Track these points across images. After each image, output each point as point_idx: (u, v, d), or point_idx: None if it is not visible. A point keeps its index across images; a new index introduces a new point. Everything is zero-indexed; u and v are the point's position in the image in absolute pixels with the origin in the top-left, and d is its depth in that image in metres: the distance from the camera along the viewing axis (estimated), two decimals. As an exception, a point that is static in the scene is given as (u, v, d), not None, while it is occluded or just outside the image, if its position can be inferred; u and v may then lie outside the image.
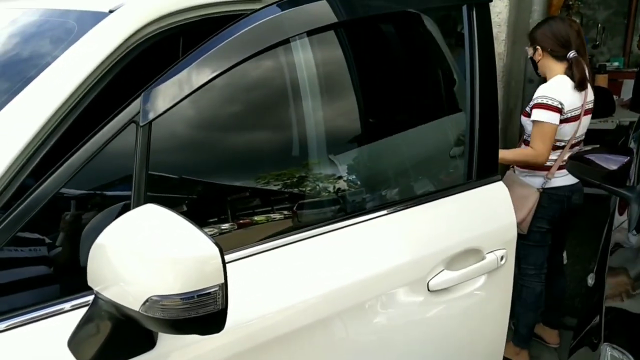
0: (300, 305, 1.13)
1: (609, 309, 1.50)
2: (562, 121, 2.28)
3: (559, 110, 2.25)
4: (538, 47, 2.36)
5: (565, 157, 2.35)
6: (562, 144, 2.37)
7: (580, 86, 2.29)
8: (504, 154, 2.34)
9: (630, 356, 1.29)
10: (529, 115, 2.34)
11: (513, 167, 2.53)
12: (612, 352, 1.34)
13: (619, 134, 4.60)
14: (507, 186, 1.53)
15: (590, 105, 2.38)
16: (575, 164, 2.09)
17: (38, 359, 0.90)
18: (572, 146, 2.40)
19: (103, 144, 0.98)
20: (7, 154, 0.90)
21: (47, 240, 0.99)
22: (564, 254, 2.99)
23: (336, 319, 1.20)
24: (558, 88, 2.29)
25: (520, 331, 2.54)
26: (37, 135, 0.93)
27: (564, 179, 2.39)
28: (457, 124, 1.53)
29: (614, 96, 4.97)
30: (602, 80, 5.25)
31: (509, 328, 1.94)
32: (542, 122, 2.24)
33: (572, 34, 2.31)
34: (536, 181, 2.40)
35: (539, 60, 2.40)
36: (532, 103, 2.32)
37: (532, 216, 2.36)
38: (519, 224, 2.13)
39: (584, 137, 2.44)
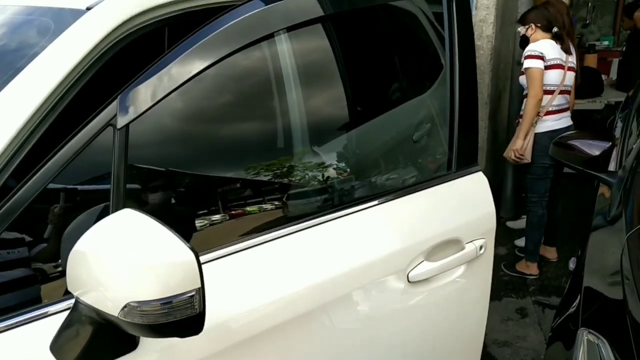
0: (283, 300, 1.15)
1: (587, 294, 1.53)
2: (546, 68, 2.91)
3: (541, 57, 2.90)
4: (532, 24, 3.00)
5: (555, 102, 2.99)
6: (552, 88, 2.97)
7: (561, 48, 2.95)
8: (518, 136, 3.00)
9: (605, 341, 1.32)
10: (523, 73, 2.98)
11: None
12: (588, 337, 1.37)
13: (607, 114, 4.62)
14: None
15: (572, 65, 3.02)
16: (559, 149, 2.11)
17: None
18: (562, 92, 3.00)
19: (80, 148, 0.98)
20: None
21: (28, 241, 0.98)
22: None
23: (319, 312, 1.22)
24: (539, 44, 2.95)
25: (528, 247, 3.17)
26: (13, 141, 0.92)
27: (559, 122, 3.01)
28: (439, 117, 1.53)
29: (603, 76, 4.96)
30: (592, 60, 5.23)
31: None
32: (530, 67, 2.91)
33: (558, 15, 2.98)
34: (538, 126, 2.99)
35: (531, 35, 3.00)
36: (522, 59, 2.99)
37: (535, 154, 2.97)
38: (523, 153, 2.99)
39: (570, 89, 3.06)
